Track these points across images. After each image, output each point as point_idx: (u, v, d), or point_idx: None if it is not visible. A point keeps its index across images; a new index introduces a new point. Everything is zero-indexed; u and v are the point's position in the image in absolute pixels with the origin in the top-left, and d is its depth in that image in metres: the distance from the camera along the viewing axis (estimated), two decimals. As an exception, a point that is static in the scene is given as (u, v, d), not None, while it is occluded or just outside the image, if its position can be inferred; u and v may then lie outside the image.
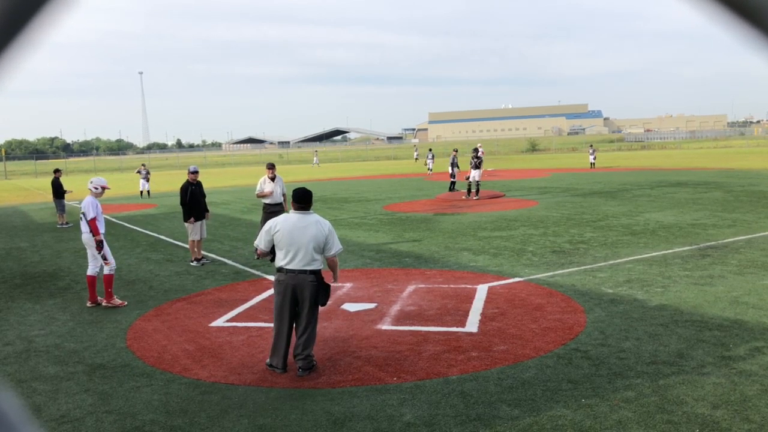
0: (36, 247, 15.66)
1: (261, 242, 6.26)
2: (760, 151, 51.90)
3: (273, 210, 11.72)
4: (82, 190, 11.90)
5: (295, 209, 6.22)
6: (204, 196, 12.34)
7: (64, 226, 19.48)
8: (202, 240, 12.36)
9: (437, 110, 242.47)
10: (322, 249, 6.13)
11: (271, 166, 12.29)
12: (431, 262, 11.38)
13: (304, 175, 46.69)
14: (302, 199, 6.23)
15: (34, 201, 26.82)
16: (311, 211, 6.28)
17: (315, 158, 62.42)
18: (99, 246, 9.06)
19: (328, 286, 6.22)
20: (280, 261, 6.10)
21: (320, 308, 6.42)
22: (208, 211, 12.43)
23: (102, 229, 9.13)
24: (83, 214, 9.08)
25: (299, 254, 6.00)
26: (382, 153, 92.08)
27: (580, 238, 13.03)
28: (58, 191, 20.13)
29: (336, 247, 6.23)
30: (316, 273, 6.08)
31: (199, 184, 12.24)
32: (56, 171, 21.25)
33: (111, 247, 9.86)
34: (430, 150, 45.17)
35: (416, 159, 61.30)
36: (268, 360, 6.29)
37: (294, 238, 6.03)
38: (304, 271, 6.01)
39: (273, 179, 12.17)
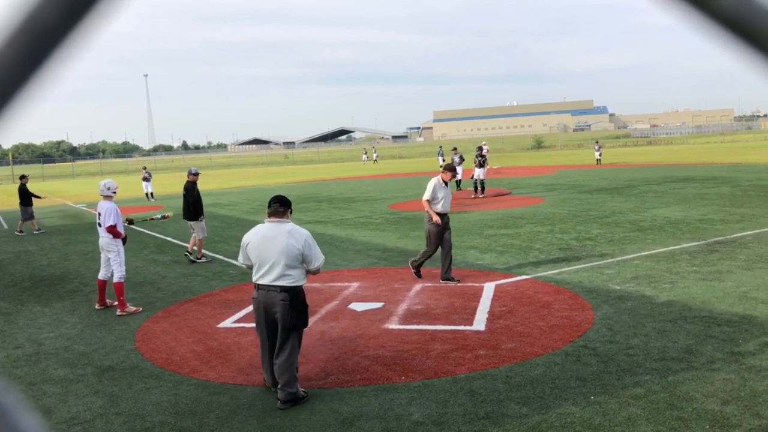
0: (44, 250, 15.74)
1: (240, 257, 5.79)
2: (767, 145, 51.60)
3: (446, 220, 9.93)
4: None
5: (268, 217, 5.63)
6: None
7: (21, 233, 19.02)
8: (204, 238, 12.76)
9: (442, 108, 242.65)
10: (300, 261, 5.47)
11: (451, 168, 10.17)
12: (438, 260, 11.36)
13: (309, 175, 46.73)
14: (275, 206, 5.59)
15: (42, 205, 26.88)
16: (287, 219, 5.63)
17: (374, 154, 65.80)
18: (124, 241, 9.19)
19: (305, 306, 5.55)
20: (253, 276, 5.59)
21: (311, 325, 6.11)
22: None
23: (122, 232, 9.20)
24: (100, 222, 9.10)
25: (266, 267, 5.42)
26: (387, 152, 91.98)
27: (587, 235, 12.99)
28: (26, 198, 19.28)
29: (317, 260, 5.56)
30: (289, 290, 5.39)
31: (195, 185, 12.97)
32: (22, 177, 19.80)
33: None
34: (441, 147, 46.37)
35: (374, 161, 62.30)
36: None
37: (262, 251, 5.45)
38: (275, 288, 5.39)
39: (447, 184, 9.97)
